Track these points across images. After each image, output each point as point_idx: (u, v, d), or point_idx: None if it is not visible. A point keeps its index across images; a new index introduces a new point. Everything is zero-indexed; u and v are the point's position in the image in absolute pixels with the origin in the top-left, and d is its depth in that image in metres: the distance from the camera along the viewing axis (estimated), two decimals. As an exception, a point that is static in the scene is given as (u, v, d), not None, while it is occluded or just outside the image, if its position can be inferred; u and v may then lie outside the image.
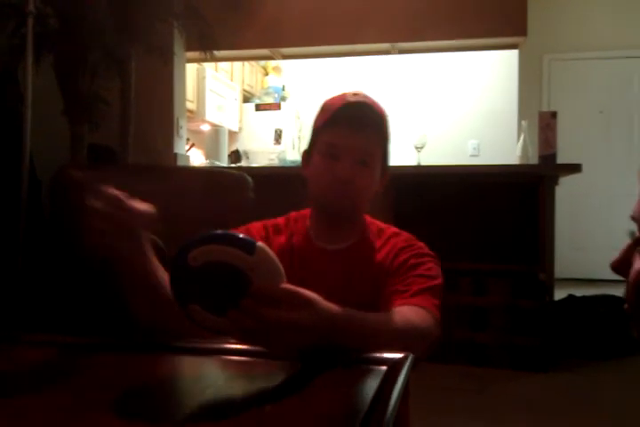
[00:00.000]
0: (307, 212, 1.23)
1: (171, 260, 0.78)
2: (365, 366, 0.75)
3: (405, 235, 1.20)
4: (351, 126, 1.10)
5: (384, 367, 0.72)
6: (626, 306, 0.72)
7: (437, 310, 1.04)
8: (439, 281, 1.10)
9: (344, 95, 1.13)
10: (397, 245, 1.15)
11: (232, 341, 0.81)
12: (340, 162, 1.10)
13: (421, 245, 1.17)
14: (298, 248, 1.17)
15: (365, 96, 1.14)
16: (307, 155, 1.20)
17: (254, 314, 0.72)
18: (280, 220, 1.24)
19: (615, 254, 0.75)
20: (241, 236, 0.77)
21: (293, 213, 1.25)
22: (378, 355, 0.76)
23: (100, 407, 0.67)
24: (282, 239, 1.19)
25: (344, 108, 1.11)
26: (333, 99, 1.16)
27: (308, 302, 0.77)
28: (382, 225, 1.23)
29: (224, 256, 0.75)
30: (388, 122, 1.17)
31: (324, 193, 1.13)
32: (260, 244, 0.76)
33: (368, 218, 1.23)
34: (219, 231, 0.79)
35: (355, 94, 1.13)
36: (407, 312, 0.99)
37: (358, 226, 1.20)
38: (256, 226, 1.21)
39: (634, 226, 0.70)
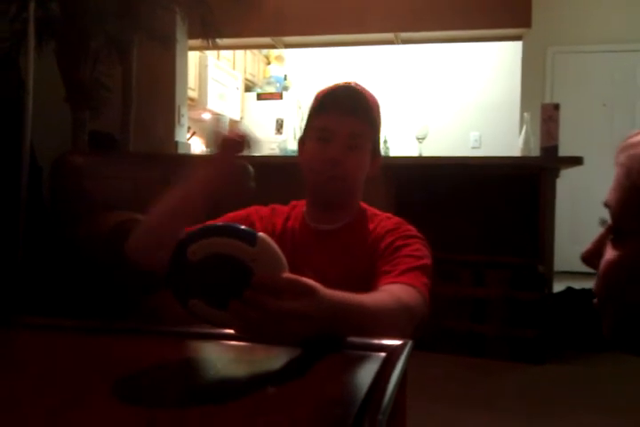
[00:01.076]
0: (305, 201, 1.27)
1: (170, 256, 0.77)
2: (364, 352, 0.75)
3: (396, 219, 1.22)
4: (339, 110, 1.15)
5: (383, 354, 0.72)
6: (595, 300, 0.68)
7: (426, 289, 1.06)
8: (427, 261, 1.12)
9: (335, 84, 1.19)
10: (387, 227, 1.18)
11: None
12: (331, 144, 1.14)
13: (409, 228, 1.19)
14: (292, 230, 1.21)
15: (356, 84, 1.18)
16: (301, 142, 1.24)
17: (257, 304, 0.72)
18: (284, 207, 1.29)
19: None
20: (242, 227, 0.76)
21: (294, 202, 1.29)
22: (377, 341, 0.76)
23: (100, 391, 0.67)
24: (279, 221, 1.23)
25: (332, 93, 1.17)
26: (324, 88, 1.20)
27: (310, 291, 0.76)
28: (377, 211, 1.26)
29: (225, 249, 0.74)
30: (377, 108, 1.21)
31: (316, 175, 1.17)
32: (260, 234, 0.75)
33: (363, 204, 1.26)
34: (218, 224, 0.79)
35: (346, 83, 1.18)
36: (397, 291, 1.00)
37: (352, 209, 1.23)
38: (258, 208, 1.26)
39: (607, 214, 0.66)
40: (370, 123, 1.17)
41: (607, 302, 0.66)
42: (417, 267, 1.08)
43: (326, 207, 1.21)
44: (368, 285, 1.07)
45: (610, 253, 0.65)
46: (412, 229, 1.19)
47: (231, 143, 1.01)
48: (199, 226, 0.78)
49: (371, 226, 1.20)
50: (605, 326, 0.67)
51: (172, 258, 0.76)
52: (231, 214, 1.24)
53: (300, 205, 1.26)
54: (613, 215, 0.65)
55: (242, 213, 1.24)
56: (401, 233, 1.16)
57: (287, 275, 0.76)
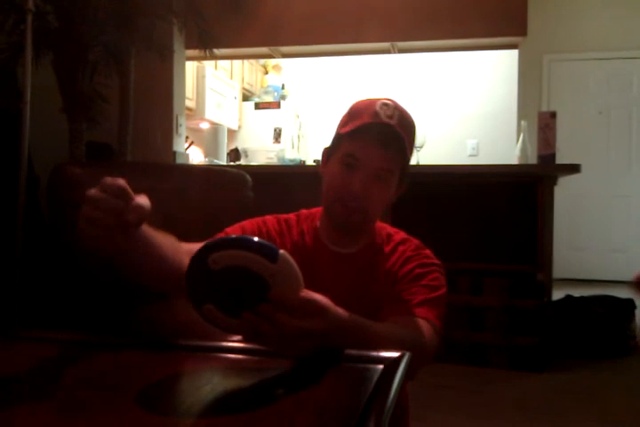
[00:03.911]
0: (317, 210, 1.23)
1: (190, 260, 0.78)
2: (362, 364, 0.75)
3: (414, 242, 1.19)
4: (374, 143, 1.08)
5: (381, 366, 0.72)
6: None
7: (439, 321, 1.06)
8: (443, 291, 1.11)
9: (374, 104, 1.09)
10: (405, 253, 1.15)
11: (232, 339, 0.81)
12: (356, 173, 1.09)
13: (428, 254, 1.17)
14: (310, 248, 1.17)
15: (396, 107, 1.10)
16: (327, 154, 1.18)
17: (270, 319, 0.74)
18: (291, 215, 1.24)
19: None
20: (265, 243, 0.78)
21: (304, 211, 1.25)
22: (375, 354, 0.76)
23: (98, 404, 0.67)
24: (294, 235, 1.19)
25: (371, 125, 1.08)
26: (362, 104, 1.13)
27: (323, 311, 0.78)
28: (391, 230, 1.22)
29: (246, 262, 0.75)
30: (413, 136, 1.14)
31: (335, 204, 1.12)
32: (282, 251, 0.76)
33: (378, 223, 1.22)
34: (242, 236, 0.81)
35: (384, 104, 1.09)
36: (410, 324, 1.00)
37: (369, 232, 1.20)
38: (270, 220, 1.21)
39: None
40: (401, 157, 1.10)
41: None
42: (433, 298, 1.07)
43: (342, 232, 1.17)
44: (382, 309, 1.06)
45: None
46: (430, 255, 1.16)
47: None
48: (223, 236, 0.79)
49: (387, 249, 1.17)
50: None
51: (192, 262, 0.78)
52: (247, 223, 1.19)
53: (312, 217, 1.22)
54: None
55: (258, 222, 1.20)
56: (420, 260, 1.14)
57: (303, 293, 0.77)
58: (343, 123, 1.14)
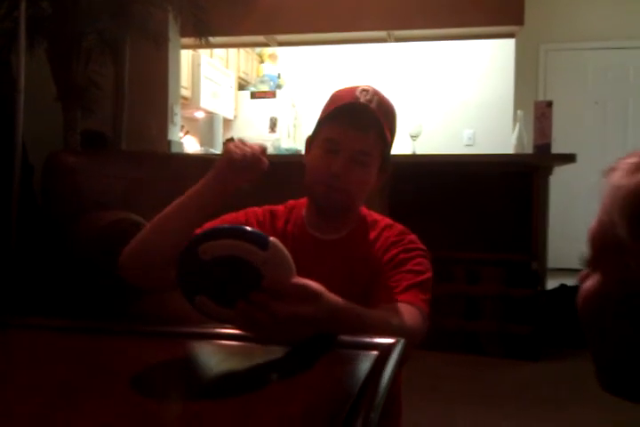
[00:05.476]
0: (304, 201, 1.23)
1: (180, 252, 0.78)
2: (357, 350, 0.75)
3: (398, 227, 1.19)
4: (352, 125, 1.10)
5: (375, 352, 0.72)
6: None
7: (426, 305, 1.06)
8: (428, 275, 1.11)
9: (353, 90, 1.12)
10: (389, 239, 1.15)
11: (225, 326, 0.81)
12: (337, 157, 1.10)
13: (412, 239, 1.16)
14: (292, 235, 1.18)
15: (375, 93, 1.12)
16: (309, 142, 1.20)
17: (264, 307, 0.74)
18: (279, 207, 1.25)
19: None
20: (254, 231, 0.78)
21: (291, 202, 1.26)
22: (369, 340, 0.77)
23: (92, 391, 0.67)
24: (279, 224, 1.20)
25: (349, 106, 1.10)
26: (342, 91, 1.15)
27: (316, 296, 0.78)
28: (377, 217, 1.23)
29: (236, 251, 0.75)
30: (393, 121, 1.16)
31: (317, 185, 1.13)
32: (272, 239, 0.76)
33: (364, 209, 1.23)
34: (231, 226, 0.80)
35: (364, 90, 1.11)
36: (398, 311, 1.00)
37: (352, 218, 1.20)
38: (254, 210, 1.22)
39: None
40: (382, 140, 1.12)
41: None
42: (418, 283, 1.07)
43: (325, 216, 1.18)
44: (368, 296, 1.06)
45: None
46: (415, 240, 1.16)
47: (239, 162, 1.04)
48: (211, 226, 0.79)
49: (372, 235, 1.17)
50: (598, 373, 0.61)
51: (183, 255, 0.78)
52: (227, 217, 1.19)
53: (299, 207, 1.23)
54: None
55: (239, 215, 1.20)
56: (404, 245, 1.14)
57: (296, 279, 0.77)
58: (324, 109, 1.16)
